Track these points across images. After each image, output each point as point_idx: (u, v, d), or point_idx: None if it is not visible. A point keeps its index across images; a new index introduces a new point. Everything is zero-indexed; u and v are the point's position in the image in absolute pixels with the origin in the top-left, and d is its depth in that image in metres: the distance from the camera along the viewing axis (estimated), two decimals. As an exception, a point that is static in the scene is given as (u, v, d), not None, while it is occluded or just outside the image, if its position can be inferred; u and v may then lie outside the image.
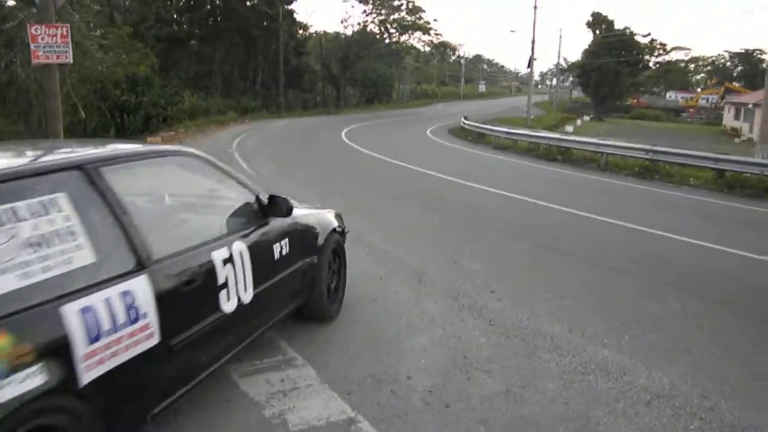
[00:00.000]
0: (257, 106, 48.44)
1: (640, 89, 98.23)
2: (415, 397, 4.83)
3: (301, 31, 59.66)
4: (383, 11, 62.42)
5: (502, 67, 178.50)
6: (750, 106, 53.02)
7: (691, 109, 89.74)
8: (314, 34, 65.06)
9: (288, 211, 4.86)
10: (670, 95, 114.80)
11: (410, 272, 8.14)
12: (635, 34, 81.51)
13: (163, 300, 3.44)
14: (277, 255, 4.89)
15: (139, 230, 3.45)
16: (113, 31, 30.07)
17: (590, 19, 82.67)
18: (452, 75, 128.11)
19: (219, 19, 48.07)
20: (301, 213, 5.51)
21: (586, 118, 68.48)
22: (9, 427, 2.54)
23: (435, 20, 70.59)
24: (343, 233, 6.37)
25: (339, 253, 6.26)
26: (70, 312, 2.89)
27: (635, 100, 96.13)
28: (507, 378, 5.24)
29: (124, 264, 3.31)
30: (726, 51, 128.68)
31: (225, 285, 4.06)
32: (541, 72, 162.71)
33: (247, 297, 4.33)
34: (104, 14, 35.73)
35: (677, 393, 5.12)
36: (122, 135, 29.87)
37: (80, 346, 2.90)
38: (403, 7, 62.45)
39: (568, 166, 23.57)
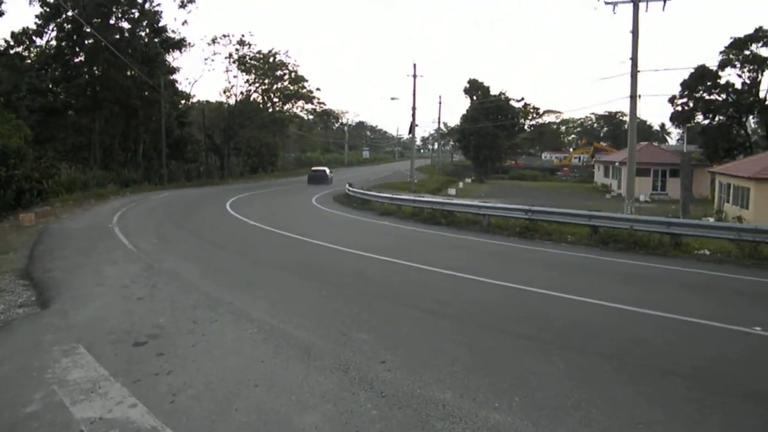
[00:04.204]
0: (139, 178, 47.18)
1: (517, 151, 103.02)
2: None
3: (183, 101, 59.16)
4: (266, 81, 62.92)
5: (385, 132, 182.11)
6: (617, 164, 56.58)
7: (565, 168, 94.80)
8: (197, 104, 64.66)
9: (331, 172, 61.53)
10: (545, 156, 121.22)
11: (298, 347, 8.03)
12: (510, 99, 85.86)
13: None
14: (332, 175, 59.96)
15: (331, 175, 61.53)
16: (-21, 101, 28.90)
17: (467, 85, 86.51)
18: (336, 142, 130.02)
19: (98, 89, 46.92)
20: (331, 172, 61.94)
21: (468, 180, 71.03)
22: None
23: (318, 89, 71.48)
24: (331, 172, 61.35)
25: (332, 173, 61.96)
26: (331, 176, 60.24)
27: (513, 162, 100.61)
28: (401, 451, 5.19)
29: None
30: (592, 113, 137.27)
31: (332, 171, 64.24)
32: (423, 137, 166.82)
33: (333, 175, 60.90)
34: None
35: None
36: (-9, 210, 28.19)
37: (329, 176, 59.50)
38: (286, 76, 63.26)
39: (452, 228, 24.08)
